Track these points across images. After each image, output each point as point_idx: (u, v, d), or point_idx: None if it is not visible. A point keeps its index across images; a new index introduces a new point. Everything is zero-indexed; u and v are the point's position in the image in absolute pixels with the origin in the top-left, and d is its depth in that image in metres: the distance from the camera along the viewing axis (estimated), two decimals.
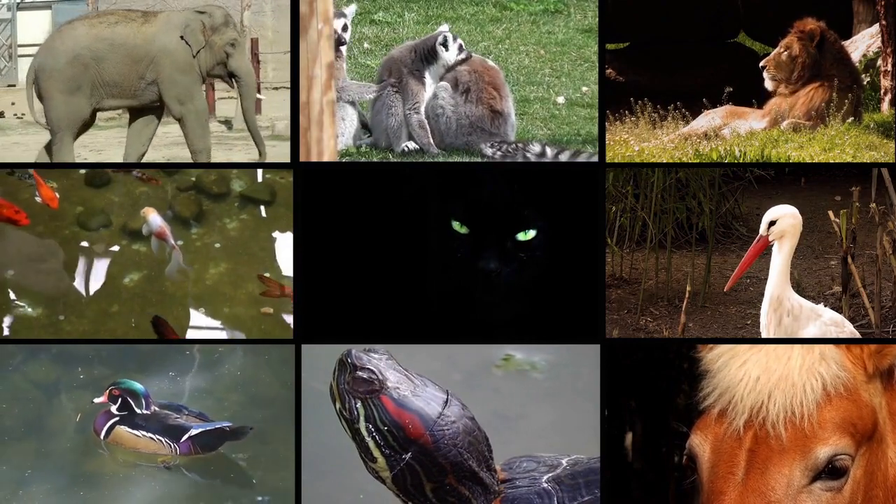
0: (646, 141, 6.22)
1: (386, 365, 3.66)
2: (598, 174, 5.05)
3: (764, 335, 4.40)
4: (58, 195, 5.93)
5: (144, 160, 6.85)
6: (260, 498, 4.81)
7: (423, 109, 6.77)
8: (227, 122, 9.44)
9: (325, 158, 4.77)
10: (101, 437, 5.05)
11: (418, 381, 3.68)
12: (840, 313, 4.60)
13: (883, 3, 6.51)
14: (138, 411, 5.04)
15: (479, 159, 6.56)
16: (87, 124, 6.87)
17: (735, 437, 2.96)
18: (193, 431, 4.98)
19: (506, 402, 4.99)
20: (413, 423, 3.59)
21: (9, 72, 11.40)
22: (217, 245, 6.10)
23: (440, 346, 4.90)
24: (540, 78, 7.82)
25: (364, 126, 6.93)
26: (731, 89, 6.55)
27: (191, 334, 5.63)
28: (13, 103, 9.66)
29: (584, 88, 7.63)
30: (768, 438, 2.93)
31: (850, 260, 5.31)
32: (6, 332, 5.56)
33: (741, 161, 6.03)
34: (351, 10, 7.05)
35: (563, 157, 6.43)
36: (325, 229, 4.76)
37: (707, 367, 3.07)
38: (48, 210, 5.90)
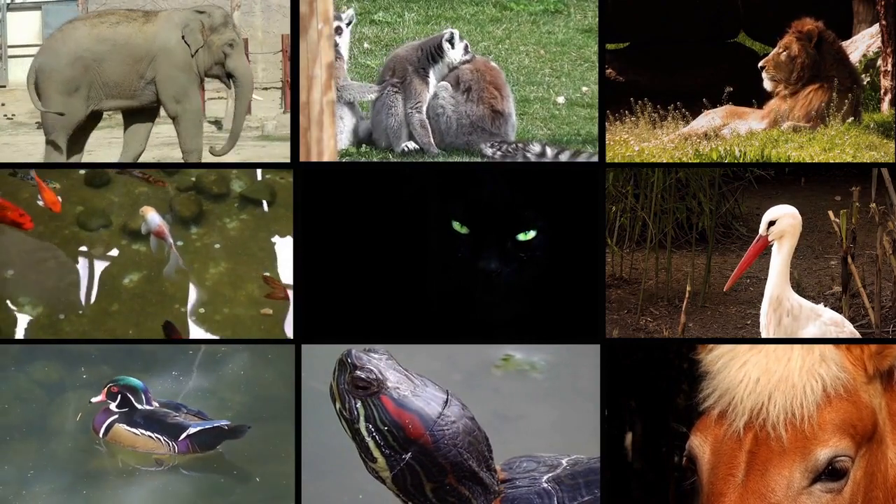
0: (646, 141, 6.22)
1: (386, 365, 3.66)
2: (598, 174, 5.05)
3: (764, 335, 4.40)
4: (60, 199, 5.93)
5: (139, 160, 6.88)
6: (261, 498, 4.82)
7: (424, 109, 6.78)
8: (217, 123, 9.43)
9: (325, 158, 4.77)
10: (100, 435, 5.05)
11: (418, 381, 3.68)
12: (840, 313, 4.60)
13: (883, 3, 6.51)
14: (139, 407, 5.04)
15: (479, 159, 6.56)
16: (87, 127, 6.89)
17: (735, 439, 2.96)
18: (191, 430, 4.98)
19: (506, 402, 4.99)
20: (413, 423, 3.60)
21: None
22: (217, 245, 6.10)
23: (440, 346, 4.90)
24: (540, 78, 7.82)
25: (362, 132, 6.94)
26: (731, 89, 6.55)
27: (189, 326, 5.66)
28: (3, 104, 9.67)
29: (584, 88, 7.63)
30: (768, 440, 2.93)
31: (850, 260, 5.31)
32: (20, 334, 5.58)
33: (741, 161, 6.03)
34: (347, 14, 7.06)
35: (563, 157, 6.43)
36: (325, 229, 4.76)
37: (707, 368, 3.07)
38: (48, 211, 5.90)
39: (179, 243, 5.78)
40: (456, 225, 4.46)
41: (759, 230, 4.36)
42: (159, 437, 4.98)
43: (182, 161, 6.85)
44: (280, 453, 4.90)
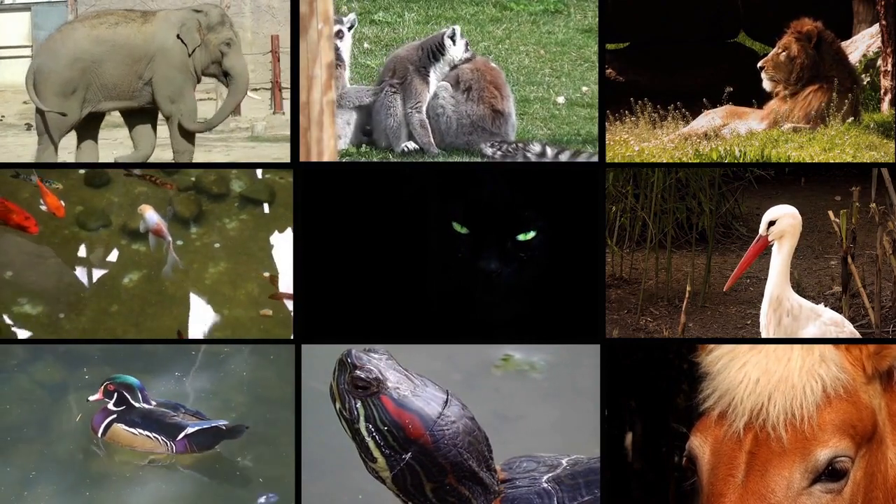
0: (646, 141, 6.22)
1: (386, 365, 3.66)
2: (598, 174, 5.05)
3: (764, 335, 4.40)
4: (63, 203, 5.94)
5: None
6: (262, 498, 4.81)
7: (424, 109, 6.78)
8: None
9: (325, 158, 4.77)
10: (99, 434, 5.05)
11: (418, 381, 3.68)
12: (840, 313, 4.60)
13: (883, 3, 6.50)
14: (136, 405, 5.04)
15: (479, 159, 6.56)
16: (91, 128, 6.90)
17: (735, 439, 2.96)
18: (189, 430, 4.98)
19: (506, 402, 4.99)
20: (413, 423, 3.60)
21: None
22: (217, 245, 6.10)
23: (440, 346, 4.89)
24: (540, 78, 7.82)
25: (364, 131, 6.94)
26: (731, 89, 6.55)
27: (193, 331, 5.64)
28: None
29: (584, 88, 7.63)
30: (768, 440, 2.93)
31: (850, 260, 5.31)
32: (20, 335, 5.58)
33: (741, 161, 6.03)
34: (349, 18, 7.06)
35: (563, 157, 6.43)
36: (325, 229, 4.76)
37: (707, 369, 3.07)
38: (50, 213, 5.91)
39: (179, 243, 5.78)
40: (456, 225, 4.46)
41: (759, 230, 4.36)
42: (157, 436, 4.98)
43: (172, 161, 6.88)
44: (280, 453, 4.90)
